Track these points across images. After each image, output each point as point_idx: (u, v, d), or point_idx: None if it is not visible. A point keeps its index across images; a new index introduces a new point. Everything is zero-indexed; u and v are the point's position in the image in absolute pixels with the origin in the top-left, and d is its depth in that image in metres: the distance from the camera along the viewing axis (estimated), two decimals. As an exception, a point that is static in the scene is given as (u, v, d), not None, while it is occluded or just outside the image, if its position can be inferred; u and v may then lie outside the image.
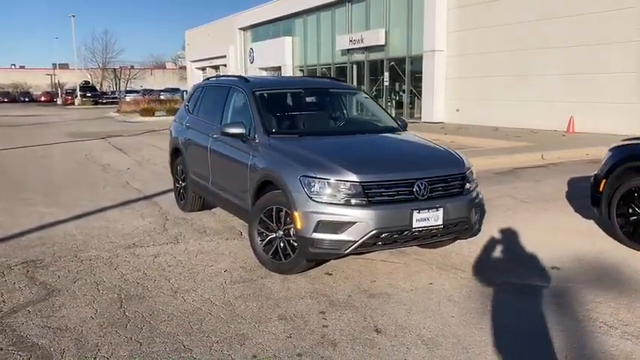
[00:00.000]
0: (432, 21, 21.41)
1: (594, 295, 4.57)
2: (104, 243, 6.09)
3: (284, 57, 33.52)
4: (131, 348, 3.67)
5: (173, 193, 8.43)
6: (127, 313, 4.22)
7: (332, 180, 4.59)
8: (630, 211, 5.84)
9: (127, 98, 50.15)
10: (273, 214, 5.05)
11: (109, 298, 4.52)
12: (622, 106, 15.47)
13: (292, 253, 4.93)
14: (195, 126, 6.99)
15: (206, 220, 7.05)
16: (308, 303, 4.43)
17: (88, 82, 68.94)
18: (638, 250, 5.67)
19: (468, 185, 5.04)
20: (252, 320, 4.11)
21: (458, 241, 5.45)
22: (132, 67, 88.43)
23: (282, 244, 5.02)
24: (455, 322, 4.08)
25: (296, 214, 4.65)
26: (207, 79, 7.73)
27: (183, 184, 7.48)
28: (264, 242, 5.16)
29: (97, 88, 71.87)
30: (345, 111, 6.54)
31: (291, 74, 32.30)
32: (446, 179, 4.90)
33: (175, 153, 7.77)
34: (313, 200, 4.59)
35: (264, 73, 36.95)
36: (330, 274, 5.08)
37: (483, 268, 5.25)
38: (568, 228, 6.67)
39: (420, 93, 23.23)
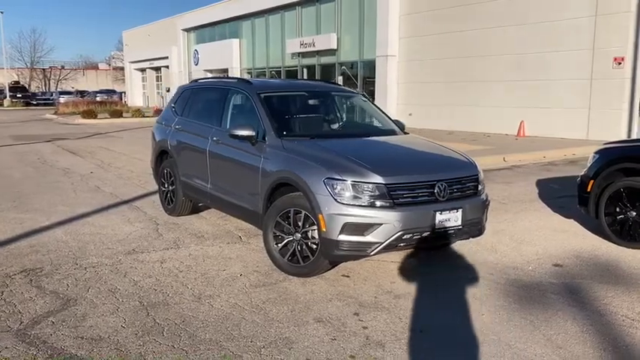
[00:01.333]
0: (385, 26, 21.80)
1: (605, 290, 4.80)
2: (101, 249, 5.86)
3: (231, 59, 33.20)
4: (177, 356, 3.56)
5: (154, 198, 8.27)
6: (157, 321, 4.09)
7: (357, 182, 4.62)
8: (617, 210, 6.17)
9: (61, 99, 48.24)
10: (291, 216, 5.03)
11: (132, 306, 4.36)
12: (570, 112, 16.28)
13: (311, 256, 4.92)
14: (188, 128, 6.84)
15: (199, 225, 6.91)
16: (338, 305, 4.43)
17: (18, 83, 65.69)
18: (626, 247, 5.99)
19: (480, 187, 5.19)
20: (290, 324, 4.07)
21: (459, 242, 5.59)
22: (62, 67, 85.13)
23: (300, 247, 5.00)
24: (487, 319, 4.20)
25: (321, 216, 4.65)
26: (195, 80, 7.58)
27: (171, 188, 7.29)
28: (281, 245, 5.12)
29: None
30: (348, 113, 6.57)
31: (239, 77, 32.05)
32: (462, 181, 5.03)
33: (161, 156, 7.57)
34: (338, 202, 4.60)
35: (209, 75, 36.45)
36: (348, 277, 5.10)
37: (492, 267, 5.40)
38: (553, 227, 6.97)
39: (372, 97, 23.58)
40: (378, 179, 4.63)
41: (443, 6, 19.94)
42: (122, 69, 67.75)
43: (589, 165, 6.59)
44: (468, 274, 5.19)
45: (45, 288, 4.73)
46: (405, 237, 4.65)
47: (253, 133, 5.49)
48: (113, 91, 60.20)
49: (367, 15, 23.31)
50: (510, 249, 6.01)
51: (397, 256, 5.61)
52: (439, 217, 4.75)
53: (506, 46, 17.75)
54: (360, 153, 5.12)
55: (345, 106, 6.58)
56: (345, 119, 6.39)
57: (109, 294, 4.62)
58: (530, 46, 17.05)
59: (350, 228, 4.57)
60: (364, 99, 6.72)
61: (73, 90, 65.16)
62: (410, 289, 4.81)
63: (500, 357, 3.60)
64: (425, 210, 4.70)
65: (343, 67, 25.35)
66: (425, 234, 4.75)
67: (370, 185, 4.61)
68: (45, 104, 53.92)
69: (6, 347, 3.65)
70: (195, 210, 7.41)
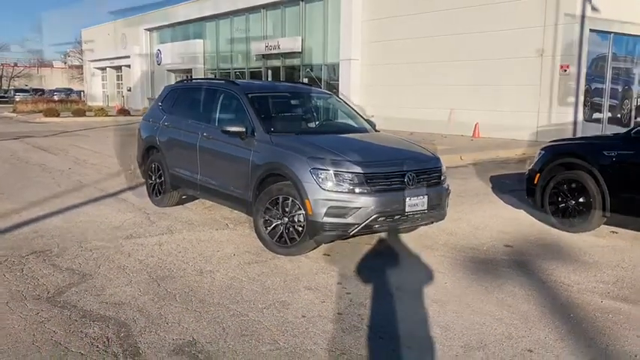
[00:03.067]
0: (348, 31, 22.66)
1: (547, 264, 5.66)
2: (102, 234, 6.41)
3: (195, 60, 33.50)
4: (193, 315, 4.21)
5: (138, 190, 8.78)
6: (168, 290, 4.72)
7: (340, 171, 5.35)
8: (559, 199, 7.08)
9: (17, 98, 47.41)
10: (280, 203, 5.71)
11: (143, 279, 4.97)
12: (522, 114, 17.43)
13: (297, 237, 5.62)
14: (177, 125, 7.43)
15: (187, 214, 7.51)
16: (323, 277, 5.14)
17: (-30, 80, 63.87)
18: (567, 231, 6.90)
19: (442, 177, 6.00)
20: (285, 291, 4.77)
21: (424, 227, 6.38)
22: (15, 64, 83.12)
23: (287, 230, 5.69)
24: (449, 286, 4.98)
25: (307, 201, 5.36)
26: (181, 81, 8.18)
27: (159, 181, 7.86)
28: (270, 229, 5.80)
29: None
30: (326, 112, 7.29)
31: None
32: (428, 172, 5.82)
33: (148, 151, 8.12)
34: (323, 189, 5.32)
35: (172, 76, 36.66)
36: (329, 255, 5.82)
37: (452, 247, 6.21)
38: (505, 216, 7.85)
39: (335, 99, 24.41)
40: (358, 169, 5.37)
41: (404, 13, 20.92)
42: (79, 67, 66.85)
43: (535, 160, 7.50)
44: (432, 252, 5.98)
45: (60, 266, 5.28)
46: (380, 219, 5.40)
47: (243, 129, 6.15)
48: (71, 90, 59.37)
49: (331, 19, 24.13)
50: (467, 233, 6.83)
51: (370, 239, 6.36)
52: (408, 201, 5.52)
53: (464, 53, 18.82)
54: (340, 147, 5.85)
55: (322, 105, 7.31)
56: (323, 118, 7.11)
57: (119, 270, 5.20)
58: (486, 52, 18.16)
59: (333, 211, 5.29)
60: (339, 99, 7.46)
61: (28, 88, 63.81)
62: (383, 265, 5.56)
63: (461, 313, 4.38)
64: (397, 196, 5.47)
65: (307, 70, 26.10)
66: (397, 216, 5.52)
67: (351, 175, 5.35)
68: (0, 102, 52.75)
69: (42, 310, 4.22)
70: (181, 201, 7.99)
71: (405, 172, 5.61)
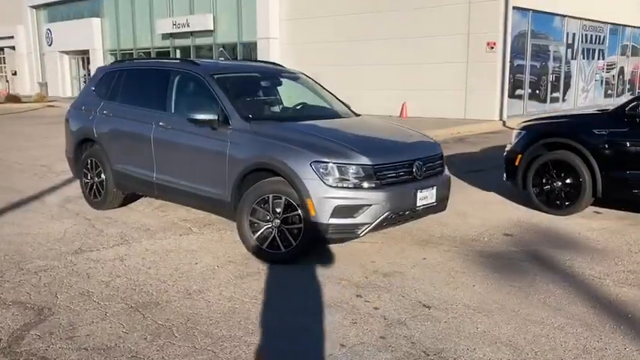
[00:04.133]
0: (265, 8, 21.59)
1: (560, 254, 5.25)
2: (42, 251, 5.25)
3: (92, 40, 30.85)
4: (208, 356, 3.32)
5: (66, 192, 7.57)
6: (159, 322, 3.78)
7: (345, 164, 4.60)
8: (544, 181, 6.75)
9: None
10: (269, 202, 4.87)
11: (121, 309, 3.98)
12: (449, 93, 17.38)
13: (294, 242, 4.82)
14: (122, 114, 6.30)
15: (137, 218, 6.44)
16: (336, 289, 4.40)
17: None
18: (553, 214, 6.60)
19: (444, 164, 5.41)
20: (303, 313, 3.98)
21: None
22: None
23: (279, 234, 4.87)
24: (480, 289, 4.41)
25: (309, 200, 4.57)
26: (119, 61, 6.98)
27: (97, 180, 6.69)
28: (259, 233, 4.95)
29: None
30: (300, 94, 6.43)
31: (102, 59, 29.97)
32: (433, 159, 5.21)
33: (81, 145, 6.91)
34: (327, 185, 4.55)
35: (65, 58, 33.75)
36: (323, 259, 5.06)
37: (453, 240, 5.66)
38: (481, 200, 7.45)
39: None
40: (365, 160, 4.64)
41: (323, -11, 20.18)
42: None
43: (515, 141, 7.11)
44: (436, 248, 5.39)
45: (4, 299, 4.14)
46: (391, 217, 4.72)
47: (215, 117, 5.21)
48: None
49: (245, -5, 22.94)
50: (458, 223, 6.32)
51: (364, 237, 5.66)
52: (419, 195, 4.88)
53: (389, 31, 18.43)
54: (338, 135, 5.09)
55: (295, 87, 6.44)
56: (300, 101, 6.26)
57: (84, 298, 4.16)
58: (412, 30, 17.88)
59: (340, 210, 4.54)
60: (309, 79, 6.65)
61: None
62: (392, 267, 4.89)
63: (515, 323, 3.81)
64: (407, 189, 4.80)
65: (221, 49, 24.76)
66: (406, 212, 4.86)
67: (357, 167, 4.61)
68: None
69: (1, 369, 3.17)
70: (124, 202, 6.88)
71: (413, 161, 4.96)
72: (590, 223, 6.31)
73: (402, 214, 4.82)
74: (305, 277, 4.63)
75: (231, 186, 5.12)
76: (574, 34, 20.40)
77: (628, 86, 25.02)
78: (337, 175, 4.57)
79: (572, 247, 5.50)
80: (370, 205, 4.57)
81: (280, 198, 4.83)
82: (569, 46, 20.25)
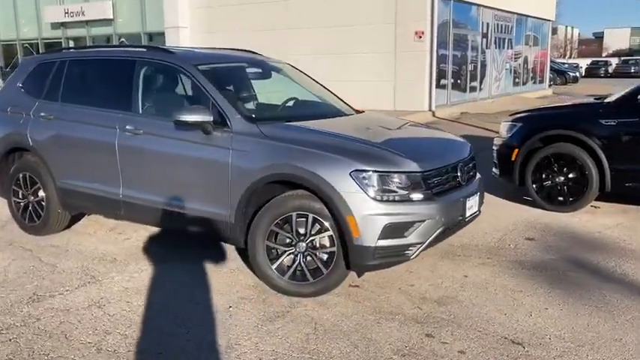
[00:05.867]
0: (173, -5, 19.99)
1: (597, 259, 4.77)
2: (-16, 302, 3.95)
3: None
4: None
5: (6, 213, 6.08)
6: (201, 404, 2.76)
7: (393, 172, 3.76)
8: (544, 176, 6.29)
9: None
10: (292, 222, 3.93)
11: (136, 387, 2.90)
12: (378, 83, 16.87)
13: (324, 269, 3.92)
14: (69, 116, 5.02)
15: (92, 244, 5.20)
16: (395, 327, 3.57)
17: None
18: (556, 211, 6.17)
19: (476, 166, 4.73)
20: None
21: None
22: None
23: (305, 260, 3.95)
24: (555, 313, 3.77)
25: (351, 219, 3.69)
26: (56, 50, 5.62)
27: (34, 199, 5.35)
28: (279, 262, 3.99)
29: None
30: (291, 88, 5.42)
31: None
32: (470, 161, 4.51)
33: (8, 157, 5.52)
34: (374, 199, 3.69)
35: None
36: (358, 286, 4.21)
37: (477, 250, 5.02)
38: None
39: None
40: (414, 167, 3.83)
41: (237, -25, 18.96)
42: None
43: (508, 134, 6.60)
44: (468, 261, 4.71)
45: (-45, 386, 2.92)
46: (443, 232, 3.96)
47: (210, 118, 4.16)
48: None
49: (148, -19, 21.14)
50: (470, 228, 5.59)
51: (383, 253, 4.86)
52: (467, 203, 4.16)
53: (313, 19, 17.60)
54: (370, 137, 4.23)
55: (283, 78, 5.44)
56: (296, 95, 5.27)
57: (76, 374, 3.03)
58: (338, 19, 17.16)
59: (390, 230, 3.70)
60: (294, 69, 5.69)
61: None
62: (439, 290, 4.14)
63: (627, 354, 3.19)
64: (457, 198, 4.06)
65: (122, 40, 22.72)
66: (455, 226, 4.13)
67: (406, 175, 3.79)
68: None
69: None
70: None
71: (456, 164, 4.22)
72: (600, 220, 5.94)
73: (451, 228, 4.07)
74: (348, 315, 3.75)
75: (236, 203, 4.11)
76: (488, 24, 20.71)
77: (531, 75, 26.04)
78: (383, 186, 3.72)
79: (606, 249, 5.04)
80: (423, 220, 3.77)
81: (306, 216, 3.90)
82: (484, 35, 20.54)
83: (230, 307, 3.87)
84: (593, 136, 5.96)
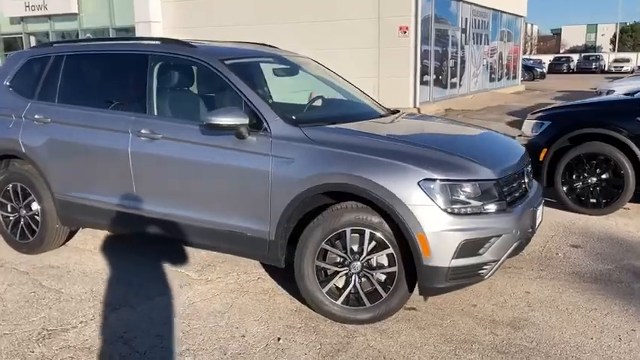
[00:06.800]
0: (143, -13, 19.12)
1: (663, 268, 4.43)
2: (-15, 341, 3.33)
3: None
4: None
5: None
6: None
7: (466, 180, 3.30)
8: (574, 177, 5.95)
9: None
10: (346, 239, 3.44)
11: None
12: (361, 80, 16.26)
13: (383, 293, 3.44)
14: (69, 119, 4.39)
15: (95, 264, 4.59)
16: (475, 358, 3.11)
17: None
18: (589, 214, 5.84)
19: (529, 170, 4.31)
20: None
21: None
22: None
23: (360, 282, 3.47)
24: (646, 335, 3.38)
25: (421, 235, 3.21)
26: (52, 44, 4.96)
27: (26, 213, 4.71)
28: (330, 285, 3.50)
29: None
30: (316, 85, 4.90)
31: None
32: (529, 164, 4.08)
33: (-4, 164, 4.87)
34: (448, 212, 3.22)
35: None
36: (414, 309, 3.75)
37: (528, 262, 4.61)
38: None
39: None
40: (489, 174, 3.38)
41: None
42: None
43: (535, 133, 6.24)
44: (523, 274, 4.30)
45: None
46: (518, 247, 3.54)
47: (246, 121, 3.62)
48: None
49: (116, -26, 20.19)
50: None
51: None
52: (537, 213, 3.74)
53: (293, 14, 17.03)
54: (430, 140, 3.76)
55: (306, 75, 4.90)
56: (325, 93, 4.75)
57: None
58: (320, 14, 16.64)
59: (466, 247, 3.24)
60: (319, 65, 5.18)
61: None
62: (505, 311, 3.71)
63: None
64: (528, 208, 3.63)
65: (88, 35, 21.67)
66: (526, 241, 3.70)
67: (481, 184, 3.34)
68: None
69: None
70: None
71: (522, 169, 3.80)
72: (638, 223, 5.62)
73: (525, 242, 3.64)
74: (417, 346, 3.28)
75: (277, 218, 3.59)
76: (466, 19, 20.53)
77: (506, 70, 26.07)
78: (456, 196, 3.26)
79: (660, 257, 4.70)
80: (499, 235, 3.33)
81: (362, 232, 3.42)
82: (463, 31, 20.35)
83: (279, 339, 3.35)
84: (631, 134, 5.64)
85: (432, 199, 3.21)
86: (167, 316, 3.64)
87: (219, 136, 3.71)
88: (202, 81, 4.27)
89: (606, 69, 52.07)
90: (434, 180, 3.23)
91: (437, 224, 3.20)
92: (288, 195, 3.53)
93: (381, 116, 4.43)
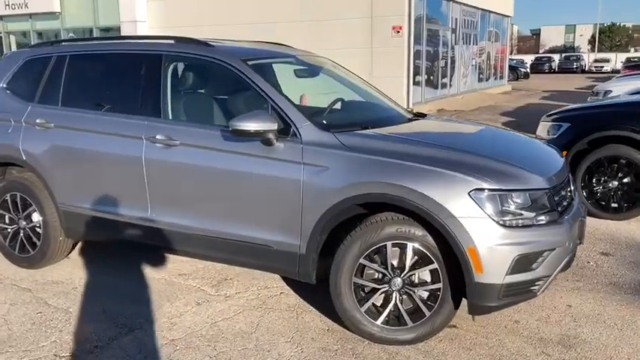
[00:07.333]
0: (129, -15, 18.66)
1: (703, 278, 4.25)
2: (-7, 371, 3.02)
3: None
4: None
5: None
6: None
7: (520, 190, 3.07)
8: (595, 181, 5.78)
9: None
10: (387, 254, 3.18)
11: None
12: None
13: (427, 311, 3.20)
14: (75, 123, 4.07)
15: (101, 279, 4.27)
16: (534, 384, 2.88)
17: None
18: (611, 219, 5.68)
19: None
20: None
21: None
22: None
23: (400, 299, 3.22)
24: None
25: (472, 250, 2.97)
26: (51, 43, 4.62)
27: (26, 224, 4.38)
28: (369, 303, 3.24)
29: None
30: (337, 87, 4.62)
31: None
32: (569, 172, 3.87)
33: (-9, 173, 4.53)
34: (502, 225, 2.99)
35: None
36: (455, 327, 3.51)
37: (567, 272, 4.39)
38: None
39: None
40: (541, 182, 3.16)
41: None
42: None
43: (553, 135, 6.05)
44: (557, 285, 4.08)
45: None
46: (570, 261, 3.32)
47: (275, 126, 3.35)
48: None
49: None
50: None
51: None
52: (585, 223, 3.53)
53: (284, 14, 16.72)
54: (477, 147, 3.54)
55: (326, 76, 4.62)
56: (348, 96, 4.47)
57: None
58: (311, 14, 16.37)
59: (520, 262, 3.01)
60: (336, 65, 4.91)
61: None
62: (552, 328, 3.49)
63: None
64: (577, 218, 3.41)
65: (71, 35, 21.12)
66: (574, 254, 3.48)
67: (534, 193, 3.11)
68: None
69: None
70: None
71: (567, 177, 3.58)
72: (661, 228, 5.46)
73: (574, 255, 3.42)
74: (469, 367, 3.04)
75: (309, 231, 3.33)
76: (456, 19, 20.42)
77: (493, 70, 26.06)
78: (509, 207, 3.03)
79: (696, 265, 4.53)
80: (553, 249, 3.10)
81: (403, 246, 3.16)
82: (453, 31, 20.24)
83: (315, 362, 3.09)
84: (655, 137, 5.48)
85: (483, 211, 2.97)
86: (189, 338, 3.35)
87: (243, 142, 3.44)
88: (221, 83, 3.99)
89: (587, 69, 52.53)
90: (486, 190, 2.99)
91: (490, 238, 2.96)
92: (322, 206, 3.26)
93: (410, 119, 4.17)
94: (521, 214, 3.05)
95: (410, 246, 3.15)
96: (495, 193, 3.00)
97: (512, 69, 38.65)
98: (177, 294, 3.98)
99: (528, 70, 43.14)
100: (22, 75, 4.46)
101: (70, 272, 4.40)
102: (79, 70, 4.23)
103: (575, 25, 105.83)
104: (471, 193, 2.98)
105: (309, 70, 4.52)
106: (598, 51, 69.92)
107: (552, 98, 21.34)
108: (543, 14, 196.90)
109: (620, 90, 11.65)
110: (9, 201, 4.42)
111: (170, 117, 3.82)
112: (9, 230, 4.47)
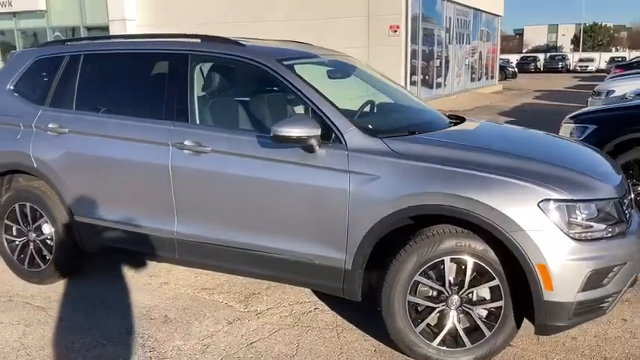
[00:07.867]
0: (118, -16, 18.23)
1: None
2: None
3: None
4: None
5: None
6: None
7: (591, 200, 2.85)
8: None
9: None
10: (445, 271, 2.94)
11: None
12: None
13: (487, 331, 2.96)
14: (92, 128, 3.77)
15: (119, 295, 3.98)
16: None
17: None
18: (639, 224, 5.48)
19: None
20: None
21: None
22: None
23: (458, 319, 2.98)
24: None
25: (542, 267, 2.74)
26: (62, 42, 4.31)
27: (38, 237, 4.07)
28: (424, 324, 3.00)
29: None
30: (365, 89, 4.36)
31: None
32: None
33: (2, 182, 4.21)
34: (573, 239, 2.76)
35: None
36: (512, 345, 3.26)
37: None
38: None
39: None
40: (611, 191, 2.94)
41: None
42: None
43: (580, 137, 5.85)
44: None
45: None
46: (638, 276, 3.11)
47: (319, 132, 3.09)
48: None
49: (88, -30, 19.22)
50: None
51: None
52: (644, 236, 3.31)
53: (279, 12, 16.42)
54: (539, 154, 3.30)
55: (356, 77, 4.36)
56: (366, 99, 4.18)
57: None
58: (307, 12, 16.10)
59: (592, 278, 2.78)
60: (367, 66, 4.65)
61: None
62: (613, 346, 3.27)
63: None
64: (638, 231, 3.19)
65: (57, 34, 20.62)
66: None
67: (605, 203, 2.89)
68: None
69: None
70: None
71: (627, 186, 3.37)
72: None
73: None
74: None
75: (356, 245, 3.08)
76: (450, 18, 20.30)
77: (484, 70, 26.00)
78: (580, 219, 2.80)
79: None
80: (624, 263, 2.89)
81: (461, 262, 2.92)
82: (447, 30, 20.10)
83: (371, 390, 2.83)
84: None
85: (554, 223, 2.74)
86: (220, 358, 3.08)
87: (282, 149, 3.17)
88: (255, 85, 3.72)
89: (571, 68, 52.87)
90: (557, 201, 2.76)
91: (561, 253, 2.73)
92: (371, 218, 3.01)
93: (455, 123, 3.92)
94: (591, 226, 2.83)
95: (471, 261, 2.91)
96: (566, 203, 2.77)
97: (501, 68, 38.70)
98: (204, 311, 3.71)
99: (516, 69, 43.28)
100: (31, 76, 4.15)
101: (86, 287, 4.09)
102: (95, 71, 3.93)
103: (557, 25, 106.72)
104: (540, 204, 2.75)
105: (343, 71, 4.25)
106: (581, 50, 70.52)
107: (545, 98, 21.33)
108: (525, 14, 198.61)
109: (623, 90, 11.54)
110: (17, 211, 4.10)
111: (198, 122, 3.54)
112: (17, 243, 4.16)
